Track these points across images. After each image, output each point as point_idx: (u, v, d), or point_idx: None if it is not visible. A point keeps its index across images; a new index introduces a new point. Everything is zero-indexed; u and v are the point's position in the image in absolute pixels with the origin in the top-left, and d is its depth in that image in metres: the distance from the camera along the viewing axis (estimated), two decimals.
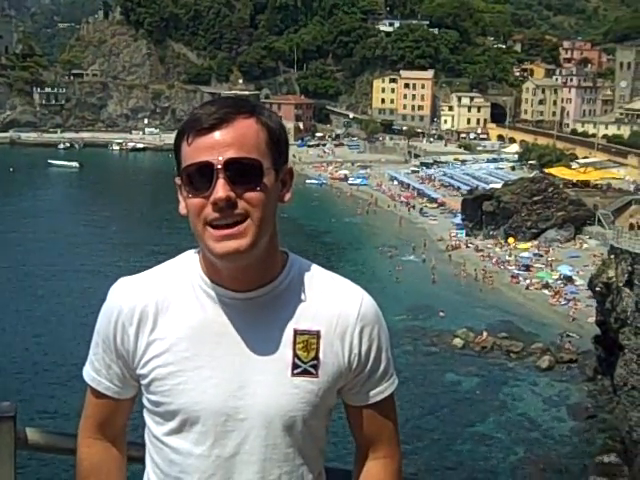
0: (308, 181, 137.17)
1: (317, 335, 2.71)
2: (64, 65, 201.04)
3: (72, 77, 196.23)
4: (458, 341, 60.40)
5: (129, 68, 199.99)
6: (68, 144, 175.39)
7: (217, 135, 2.53)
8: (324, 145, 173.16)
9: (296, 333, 2.70)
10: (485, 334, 61.09)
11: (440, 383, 53.76)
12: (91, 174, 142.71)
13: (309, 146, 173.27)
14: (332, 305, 2.76)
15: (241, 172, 2.51)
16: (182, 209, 2.65)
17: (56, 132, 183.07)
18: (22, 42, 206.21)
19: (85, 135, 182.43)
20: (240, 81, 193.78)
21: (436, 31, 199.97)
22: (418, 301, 70.52)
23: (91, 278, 73.55)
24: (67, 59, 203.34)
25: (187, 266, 2.76)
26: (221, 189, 2.49)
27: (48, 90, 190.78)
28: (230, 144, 2.52)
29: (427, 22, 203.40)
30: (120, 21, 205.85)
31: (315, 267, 2.90)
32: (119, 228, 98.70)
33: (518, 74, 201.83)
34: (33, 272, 76.37)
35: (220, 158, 2.49)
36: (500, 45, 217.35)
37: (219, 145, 2.52)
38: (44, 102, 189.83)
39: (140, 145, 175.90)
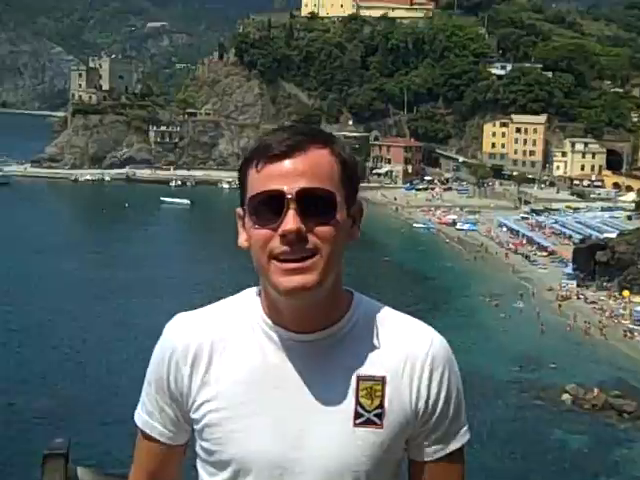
0: (416, 225, 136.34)
1: (382, 381, 2.51)
2: (179, 104, 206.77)
3: (186, 116, 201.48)
4: (567, 397, 58.12)
5: (241, 108, 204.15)
6: (180, 182, 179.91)
7: (289, 163, 2.39)
8: (432, 189, 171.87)
9: (359, 379, 2.50)
10: (596, 391, 58.56)
11: (546, 441, 51.56)
12: (202, 211, 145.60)
13: (417, 190, 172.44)
14: (400, 348, 2.57)
15: (314, 204, 2.35)
16: (243, 241, 2.54)
17: (169, 169, 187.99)
18: (141, 82, 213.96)
19: (197, 173, 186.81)
20: (350, 122, 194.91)
21: (550, 74, 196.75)
22: (525, 352, 68.40)
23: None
24: (182, 98, 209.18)
25: (247, 305, 2.61)
26: (292, 220, 2.33)
27: (163, 128, 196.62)
28: (303, 173, 2.38)
29: (540, 65, 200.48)
30: (234, 62, 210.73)
31: (383, 307, 2.71)
32: (229, 265, 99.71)
33: (636, 119, 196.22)
34: (131, 309, 77.81)
35: (292, 187, 2.35)
36: (617, 89, 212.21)
37: (291, 174, 2.38)
38: (159, 140, 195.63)
39: None
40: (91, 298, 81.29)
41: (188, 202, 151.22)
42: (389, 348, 2.57)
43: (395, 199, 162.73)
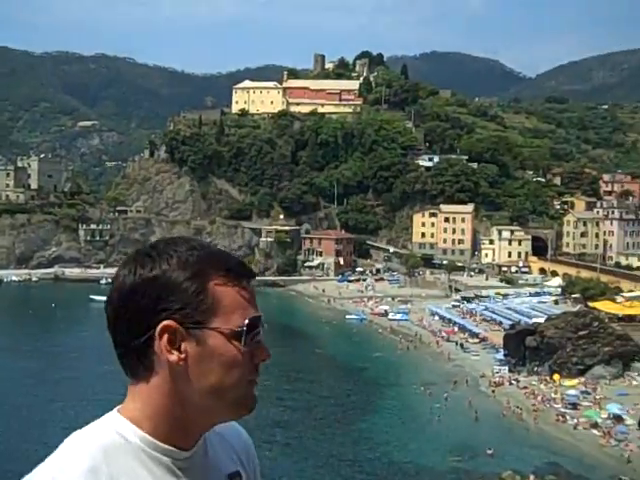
0: (348, 316, 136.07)
1: (239, 474, 2.80)
2: (110, 202, 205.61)
3: (117, 214, 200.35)
4: None
5: (172, 204, 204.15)
6: (110, 280, 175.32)
7: (250, 290, 2.64)
8: (364, 280, 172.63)
9: (230, 477, 2.75)
10: (532, 477, 58.07)
11: None
12: None
13: (349, 281, 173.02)
14: (240, 441, 2.91)
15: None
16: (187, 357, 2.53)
17: (99, 268, 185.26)
18: (70, 180, 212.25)
19: None
20: (281, 216, 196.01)
21: (475, 165, 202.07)
22: (460, 441, 67.87)
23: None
24: (113, 196, 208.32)
25: (120, 431, 2.50)
26: (267, 348, 2.72)
27: (93, 227, 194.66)
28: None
29: (466, 157, 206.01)
30: (165, 159, 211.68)
31: None
32: None
33: (558, 207, 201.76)
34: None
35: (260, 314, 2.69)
36: (540, 179, 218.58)
37: (254, 300, 2.63)
38: (89, 238, 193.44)
39: None
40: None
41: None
42: (235, 443, 2.86)
43: (323, 291, 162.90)
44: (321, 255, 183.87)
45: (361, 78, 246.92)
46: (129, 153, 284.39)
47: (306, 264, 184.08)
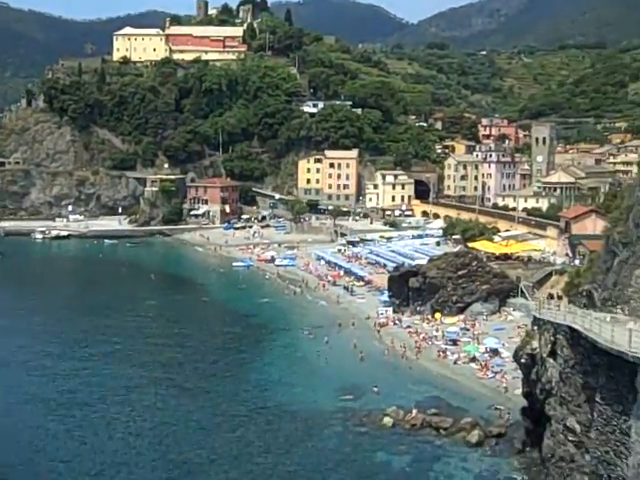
0: (235, 264, 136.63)
1: None
2: None
3: None
4: (388, 420, 59.76)
5: (53, 155, 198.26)
6: None
7: None
8: (250, 227, 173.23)
9: None
10: (415, 412, 60.60)
11: (372, 463, 53.00)
12: (13, 264, 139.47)
13: (236, 228, 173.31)
14: None
15: None
16: None
17: None
18: None
19: (6, 224, 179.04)
20: (166, 165, 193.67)
21: (359, 111, 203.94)
22: (347, 381, 70.03)
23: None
24: None
25: None
26: None
27: None
28: None
29: (350, 103, 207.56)
30: (44, 109, 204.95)
31: None
32: (42, 318, 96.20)
33: (440, 151, 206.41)
34: None
35: None
36: (422, 123, 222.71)
37: None
38: None
39: (64, 232, 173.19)
40: None
41: None
42: None
43: (208, 239, 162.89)
44: (207, 203, 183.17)
45: (245, 24, 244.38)
46: (4, 103, 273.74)
47: (192, 213, 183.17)
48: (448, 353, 76.42)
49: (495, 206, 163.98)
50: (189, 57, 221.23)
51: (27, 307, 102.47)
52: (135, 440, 57.24)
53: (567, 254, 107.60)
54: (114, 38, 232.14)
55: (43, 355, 79.73)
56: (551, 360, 47.75)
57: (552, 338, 47.55)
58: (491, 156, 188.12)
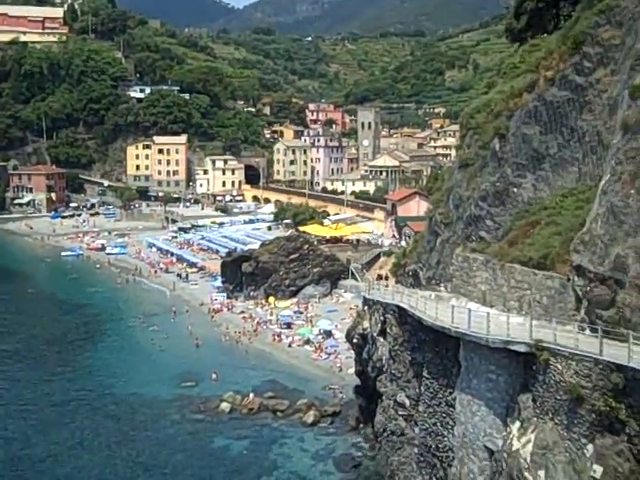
0: (64, 253, 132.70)
1: None
2: None
3: None
4: (225, 405, 60.33)
5: None
6: None
7: None
8: (79, 215, 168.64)
9: None
10: (252, 396, 61.51)
11: (210, 449, 53.36)
12: None
13: (63, 217, 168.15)
14: None
15: None
16: None
17: None
18: None
19: None
20: None
21: (187, 96, 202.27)
22: (183, 368, 69.99)
23: None
24: None
25: None
26: None
27: None
28: None
29: (178, 88, 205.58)
30: None
31: None
32: None
33: (269, 136, 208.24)
34: None
35: None
36: (250, 109, 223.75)
37: None
38: None
39: None
40: None
41: None
42: None
43: (31, 228, 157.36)
44: (32, 192, 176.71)
45: (65, 5, 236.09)
46: None
47: (16, 201, 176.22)
48: (283, 336, 77.81)
49: (324, 190, 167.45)
50: (6, 38, 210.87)
51: None
52: None
53: (394, 235, 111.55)
54: None
55: None
56: (381, 339, 49.49)
57: (382, 318, 49.16)
58: (319, 141, 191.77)
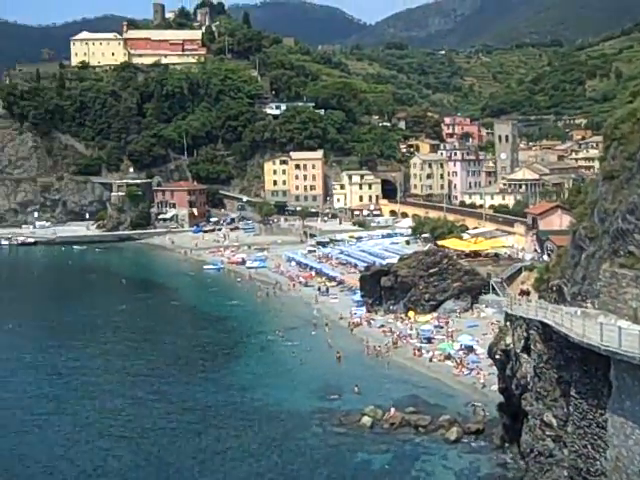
0: (206, 267, 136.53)
1: None
2: None
3: None
4: (367, 419, 60.15)
5: (15, 162, 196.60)
6: None
7: None
8: (219, 230, 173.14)
9: None
10: (393, 410, 61.10)
11: (351, 463, 53.27)
12: None
13: (204, 232, 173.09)
14: None
15: None
16: None
17: None
18: None
19: None
20: (131, 170, 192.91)
21: (322, 112, 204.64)
22: (324, 381, 70.40)
23: None
24: None
25: None
26: None
27: None
28: None
29: (313, 104, 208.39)
30: (3, 115, 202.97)
31: None
32: (14, 325, 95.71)
33: (405, 150, 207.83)
34: None
35: None
36: (385, 123, 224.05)
37: None
38: None
39: (31, 239, 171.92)
40: None
41: None
42: None
43: (173, 242, 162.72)
44: (174, 207, 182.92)
45: (203, 27, 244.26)
46: None
47: (160, 217, 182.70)
48: (423, 351, 77.05)
49: (462, 204, 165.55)
50: (148, 61, 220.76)
51: None
52: (115, 445, 57.23)
53: (535, 250, 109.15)
54: (71, 43, 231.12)
55: (15, 360, 79.56)
56: (525, 355, 48.34)
57: (525, 334, 48.07)
58: (456, 154, 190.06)
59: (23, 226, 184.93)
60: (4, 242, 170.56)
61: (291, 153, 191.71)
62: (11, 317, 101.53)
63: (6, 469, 53.55)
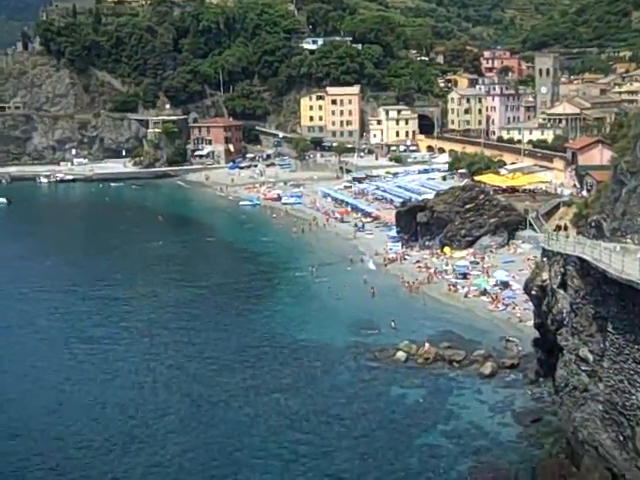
0: (242, 203, 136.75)
1: None
2: None
3: None
4: (401, 354, 60.45)
5: (53, 99, 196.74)
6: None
7: None
8: (255, 166, 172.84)
9: None
10: (427, 345, 61.27)
11: (385, 398, 53.69)
12: (20, 209, 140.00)
13: (241, 168, 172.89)
14: None
15: None
16: None
17: None
18: None
19: (11, 170, 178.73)
20: (167, 106, 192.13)
21: (359, 47, 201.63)
22: (359, 316, 70.68)
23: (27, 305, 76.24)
24: None
25: None
26: None
27: None
28: None
29: (350, 38, 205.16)
30: (40, 52, 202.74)
31: None
32: (54, 261, 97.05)
33: (442, 85, 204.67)
34: None
35: None
36: (423, 58, 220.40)
37: None
38: None
39: (69, 176, 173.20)
40: None
41: (5, 200, 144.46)
42: None
43: (207, 179, 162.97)
44: (210, 143, 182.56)
45: None
46: (1, 47, 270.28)
47: (196, 153, 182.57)
48: (458, 287, 76.91)
49: (500, 139, 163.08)
50: None
51: (40, 251, 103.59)
52: (150, 378, 58.37)
53: (574, 185, 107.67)
54: None
55: (57, 296, 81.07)
56: (561, 291, 47.81)
57: (562, 269, 47.45)
58: (494, 89, 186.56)
59: (61, 163, 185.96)
60: (43, 179, 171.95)
61: (327, 88, 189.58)
62: (55, 250, 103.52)
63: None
